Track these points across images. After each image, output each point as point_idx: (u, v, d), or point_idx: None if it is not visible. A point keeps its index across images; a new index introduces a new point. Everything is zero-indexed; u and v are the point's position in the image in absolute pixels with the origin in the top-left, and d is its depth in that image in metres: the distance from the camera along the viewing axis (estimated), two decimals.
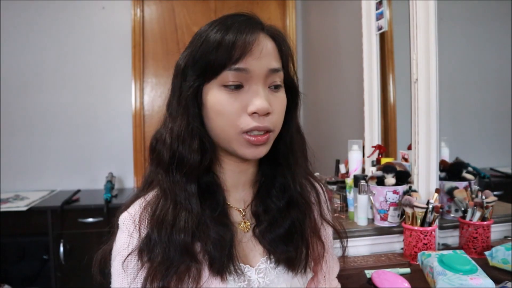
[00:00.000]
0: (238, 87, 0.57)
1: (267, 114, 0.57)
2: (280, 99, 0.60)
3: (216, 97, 0.57)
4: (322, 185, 0.75)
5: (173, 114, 0.60)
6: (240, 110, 0.56)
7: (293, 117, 0.66)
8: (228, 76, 0.56)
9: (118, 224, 0.61)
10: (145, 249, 0.56)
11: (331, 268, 0.76)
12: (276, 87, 0.60)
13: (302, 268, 0.65)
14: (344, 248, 0.73)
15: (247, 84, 0.57)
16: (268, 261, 0.63)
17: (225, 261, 0.57)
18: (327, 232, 0.73)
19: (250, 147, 0.58)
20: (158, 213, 0.58)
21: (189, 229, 0.56)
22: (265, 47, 0.57)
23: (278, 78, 0.60)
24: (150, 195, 0.62)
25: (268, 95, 0.58)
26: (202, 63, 0.57)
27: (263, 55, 0.57)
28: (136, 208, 0.61)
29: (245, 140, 0.57)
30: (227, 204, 0.64)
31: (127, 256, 0.57)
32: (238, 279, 0.58)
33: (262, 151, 0.59)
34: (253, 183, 0.67)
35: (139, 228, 0.58)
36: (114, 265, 0.58)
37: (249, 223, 0.65)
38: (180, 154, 0.58)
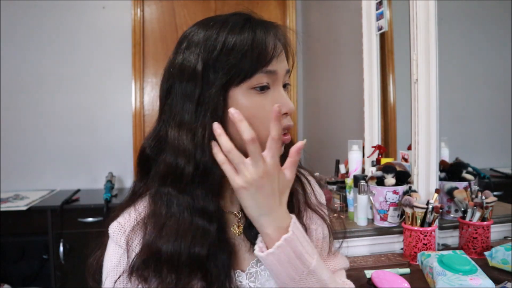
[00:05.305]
0: (265, 88, 0.57)
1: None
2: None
3: (248, 101, 0.56)
4: (311, 176, 0.73)
5: (187, 121, 0.55)
6: (271, 112, 0.55)
7: None
8: (259, 78, 0.56)
9: (108, 233, 0.59)
10: (142, 267, 0.54)
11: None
12: (285, 86, 0.61)
13: None
14: (331, 239, 0.70)
15: (272, 85, 0.58)
16: (258, 263, 0.62)
17: (223, 280, 0.56)
18: (313, 223, 0.70)
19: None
20: (165, 229, 0.54)
21: (205, 245, 0.54)
22: (283, 48, 0.60)
23: (287, 77, 0.61)
24: (141, 206, 0.60)
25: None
26: (231, 67, 0.54)
27: (283, 56, 0.59)
28: (126, 218, 0.59)
29: None
30: (224, 212, 0.62)
31: (119, 277, 0.56)
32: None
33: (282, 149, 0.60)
34: None
35: (131, 242, 0.57)
36: (106, 276, 0.58)
37: (241, 224, 0.64)
38: (205, 166, 0.54)
